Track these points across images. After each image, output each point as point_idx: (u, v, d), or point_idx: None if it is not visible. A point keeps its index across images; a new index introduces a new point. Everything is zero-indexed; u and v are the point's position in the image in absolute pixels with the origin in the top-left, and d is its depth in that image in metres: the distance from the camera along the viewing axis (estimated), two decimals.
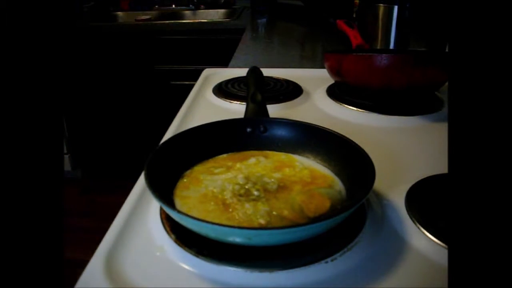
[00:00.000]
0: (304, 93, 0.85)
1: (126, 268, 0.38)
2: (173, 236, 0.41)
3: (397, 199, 0.47)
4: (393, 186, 0.50)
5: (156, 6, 2.36)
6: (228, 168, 0.50)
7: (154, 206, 0.46)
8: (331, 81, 0.84)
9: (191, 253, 0.38)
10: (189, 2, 2.32)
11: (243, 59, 1.25)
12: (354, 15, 1.23)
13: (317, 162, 0.52)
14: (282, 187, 0.47)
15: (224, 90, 0.84)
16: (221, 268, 0.37)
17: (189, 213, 0.41)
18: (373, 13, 1.10)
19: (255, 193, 0.45)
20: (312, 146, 0.53)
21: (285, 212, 0.42)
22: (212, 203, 0.44)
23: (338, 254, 0.39)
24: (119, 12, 2.33)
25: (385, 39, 1.09)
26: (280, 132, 0.55)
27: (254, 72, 0.73)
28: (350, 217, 0.40)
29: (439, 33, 1.05)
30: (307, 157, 0.53)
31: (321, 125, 0.53)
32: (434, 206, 0.46)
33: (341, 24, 1.23)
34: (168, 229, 0.42)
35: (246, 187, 0.46)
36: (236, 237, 0.36)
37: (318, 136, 0.53)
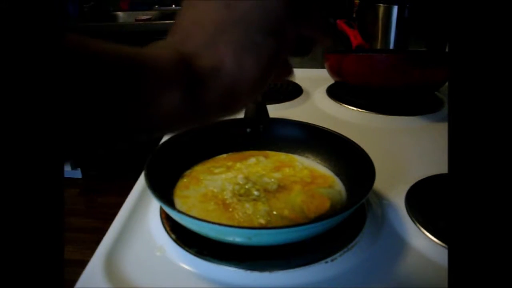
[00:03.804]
0: (304, 93, 0.85)
1: (126, 268, 0.38)
2: (173, 236, 0.41)
3: (397, 199, 0.47)
4: (393, 186, 0.50)
5: (156, 6, 2.36)
6: (228, 168, 0.50)
7: (154, 206, 0.46)
8: (331, 81, 0.84)
9: (191, 253, 0.38)
10: None
11: None
12: (354, 15, 1.23)
13: (317, 162, 0.52)
14: (282, 187, 0.47)
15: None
16: (221, 268, 0.37)
17: (189, 213, 0.41)
18: (373, 13, 1.10)
19: (255, 193, 0.45)
20: (312, 146, 0.53)
21: (285, 212, 0.42)
22: (212, 203, 0.44)
23: (338, 254, 0.39)
24: (119, 12, 2.33)
25: (385, 39, 1.09)
26: (280, 132, 0.55)
27: None
28: (350, 217, 0.40)
29: (439, 33, 1.05)
30: (307, 157, 0.53)
31: (321, 125, 0.53)
32: (434, 206, 0.46)
33: (341, 24, 1.23)
34: (168, 229, 0.42)
35: (246, 187, 0.46)
36: (236, 237, 0.36)
37: (318, 136, 0.53)
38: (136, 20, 2.12)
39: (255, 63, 0.26)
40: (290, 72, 0.34)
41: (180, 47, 0.26)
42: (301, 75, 0.96)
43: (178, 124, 0.26)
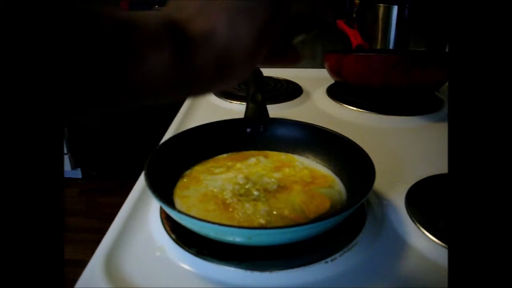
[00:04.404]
0: (304, 93, 0.85)
1: (126, 268, 0.38)
2: (173, 236, 0.41)
3: (397, 199, 0.47)
4: (393, 186, 0.50)
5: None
6: (228, 168, 0.50)
7: (154, 206, 0.46)
8: (331, 81, 0.84)
9: (191, 253, 0.38)
10: None
11: None
12: (354, 15, 1.23)
13: (317, 162, 0.52)
14: (282, 187, 0.47)
15: (224, 90, 0.84)
16: (221, 268, 0.37)
17: (189, 213, 0.41)
18: (373, 13, 1.10)
19: (255, 193, 0.45)
20: (312, 146, 0.53)
21: (285, 212, 0.42)
22: (212, 202, 0.44)
23: (338, 254, 0.39)
24: None
25: (385, 39, 1.09)
26: (280, 132, 0.55)
27: (254, 72, 0.73)
28: (350, 217, 0.40)
29: (439, 33, 1.05)
30: (307, 157, 0.53)
31: (321, 125, 0.53)
32: (434, 206, 0.46)
33: (341, 24, 1.23)
34: (168, 229, 0.42)
35: (246, 187, 0.46)
36: (236, 237, 0.36)
37: (318, 136, 0.53)
38: None
39: (250, 28, 0.25)
40: (297, 58, 0.34)
41: (174, 15, 0.26)
42: (301, 75, 0.96)
43: (171, 88, 0.26)
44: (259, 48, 0.27)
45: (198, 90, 0.28)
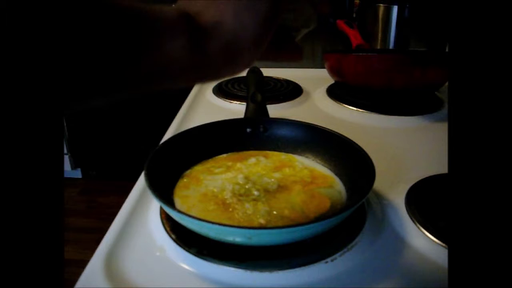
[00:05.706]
0: (304, 93, 0.85)
1: (126, 268, 0.38)
2: (173, 236, 0.41)
3: (397, 199, 0.47)
4: (393, 186, 0.50)
5: None
6: (228, 168, 0.50)
7: (154, 206, 0.46)
8: (331, 81, 0.84)
9: (191, 253, 0.38)
10: None
11: None
12: (354, 15, 1.23)
13: (317, 162, 0.52)
14: (282, 187, 0.47)
15: (224, 90, 0.85)
16: (221, 268, 0.37)
17: (189, 213, 0.41)
18: (373, 13, 1.10)
19: (255, 193, 0.45)
20: (312, 146, 0.53)
21: (285, 212, 0.42)
22: (212, 202, 0.44)
23: (338, 254, 0.39)
24: None
25: (385, 39, 1.09)
26: (280, 132, 0.55)
27: (254, 72, 0.73)
28: (350, 217, 0.40)
29: (439, 33, 1.05)
30: (307, 157, 0.53)
31: (321, 125, 0.53)
32: (434, 206, 0.46)
33: (341, 24, 1.23)
34: (168, 229, 0.42)
35: (246, 187, 0.46)
36: (236, 237, 0.36)
37: (318, 136, 0.53)
38: None
39: (253, 19, 0.28)
40: (300, 53, 0.38)
41: (186, 8, 0.28)
42: (301, 75, 0.96)
43: (186, 72, 0.28)
44: (262, 36, 0.30)
45: (209, 75, 0.30)
